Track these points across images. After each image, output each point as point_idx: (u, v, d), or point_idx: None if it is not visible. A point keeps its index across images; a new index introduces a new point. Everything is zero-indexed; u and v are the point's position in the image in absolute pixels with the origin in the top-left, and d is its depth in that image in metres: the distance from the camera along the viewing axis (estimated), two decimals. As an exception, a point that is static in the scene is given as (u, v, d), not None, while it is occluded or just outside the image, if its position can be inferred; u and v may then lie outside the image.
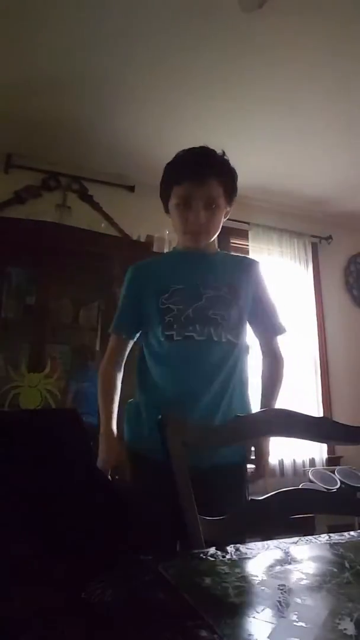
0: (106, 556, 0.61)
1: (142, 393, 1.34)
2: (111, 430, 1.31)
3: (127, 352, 1.44)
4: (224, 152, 1.33)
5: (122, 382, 1.40)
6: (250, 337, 1.45)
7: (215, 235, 1.38)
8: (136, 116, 2.67)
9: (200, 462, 1.11)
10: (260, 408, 1.36)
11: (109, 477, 1.20)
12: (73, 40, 2.17)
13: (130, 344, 1.44)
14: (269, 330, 1.45)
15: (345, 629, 0.42)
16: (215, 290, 1.31)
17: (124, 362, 1.43)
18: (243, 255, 1.52)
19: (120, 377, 1.41)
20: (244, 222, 3.47)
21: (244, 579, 0.56)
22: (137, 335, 1.42)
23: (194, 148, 1.32)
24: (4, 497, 0.67)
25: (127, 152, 2.96)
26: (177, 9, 1.99)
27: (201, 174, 1.26)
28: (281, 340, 1.47)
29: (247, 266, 1.43)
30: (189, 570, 0.57)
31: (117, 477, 1.30)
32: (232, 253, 1.52)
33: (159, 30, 2.10)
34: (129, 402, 1.38)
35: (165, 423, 0.87)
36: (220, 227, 1.37)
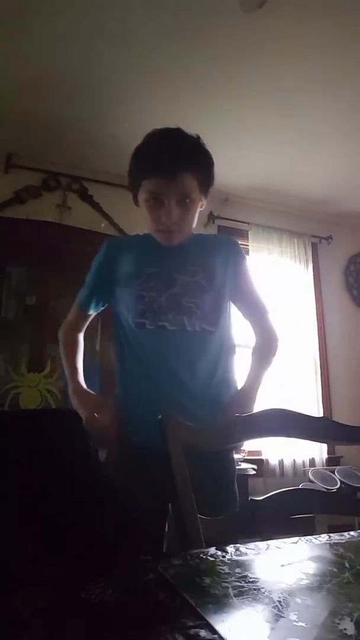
0: (106, 556, 0.61)
1: (120, 384, 1.27)
2: (79, 384, 1.26)
3: (88, 322, 1.41)
4: (198, 137, 1.19)
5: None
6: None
7: (191, 230, 1.28)
8: (136, 116, 2.67)
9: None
10: (246, 380, 1.28)
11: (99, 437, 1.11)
12: (73, 41, 2.17)
13: (93, 316, 1.40)
14: (256, 307, 1.35)
15: (345, 629, 0.42)
16: (190, 275, 1.22)
17: (84, 329, 1.40)
18: (218, 235, 1.41)
19: (82, 337, 1.38)
20: (244, 222, 3.47)
21: (244, 579, 0.56)
22: (102, 309, 1.38)
23: (164, 131, 1.18)
24: (4, 497, 0.67)
25: (127, 152, 2.93)
26: (178, 10, 1.99)
27: (173, 168, 1.12)
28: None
29: (222, 246, 1.33)
30: (189, 570, 0.57)
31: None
32: (207, 234, 1.40)
33: (159, 30, 2.10)
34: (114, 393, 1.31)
35: (165, 423, 0.87)
36: (196, 220, 1.26)
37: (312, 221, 3.81)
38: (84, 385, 1.26)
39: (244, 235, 3.49)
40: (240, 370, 1.33)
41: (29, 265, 2.71)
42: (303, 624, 0.44)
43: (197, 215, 1.25)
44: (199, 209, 1.25)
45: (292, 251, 3.64)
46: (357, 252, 3.97)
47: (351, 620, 0.44)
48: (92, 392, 1.25)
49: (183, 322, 1.19)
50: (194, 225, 1.27)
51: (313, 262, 3.76)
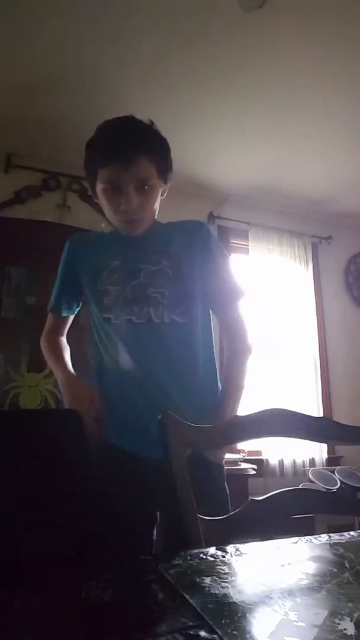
0: (106, 556, 0.61)
1: (99, 384, 1.22)
2: (70, 372, 1.21)
3: (68, 326, 1.38)
4: (152, 122, 1.17)
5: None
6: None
7: (154, 218, 1.23)
8: (136, 115, 2.67)
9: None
10: (221, 402, 1.18)
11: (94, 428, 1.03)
12: (73, 40, 2.17)
13: (71, 318, 1.37)
14: (221, 296, 1.24)
15: (345, 629, 0.42)
16: (153, 264, 1.16)
17: (65, 332, 1.37)
18: (185, 220, 1.30)
19: (64, 340, 1.35)
20: (244, 222, 3.47)
21: (244, 578, 0.56)
22: (78, 309, 1.36)
23: (117, 120, 1.17)
24: (4, 497, 0.67)
25: (127, 152, 2.96)
26: (177, 9, 1.99)
27: (128, 153, 1.08)
28: (242, 308, 1.27)
29: (188, 231, 1.25)
30: (189, 570, 0.57)
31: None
32: (175, 221, 1.31)
33: (159, 30, 2.10)
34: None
35: (166, 423, 0.87)
36: (157, 208, 1.21)
37: (312, 221, 3.81)
38: (73, 371, 1.22)
39: (244, 235, 3.50)
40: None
41: (29, 265, 2.71)
42: (303, 624, 0.44)
43: (158, 202, 1.20)
44: (159, 197, 1.20)
45: (292, 251, 3.64)
46: (357, 252, 3.97)
47: (351, 620, 0.44)
48: (82, 380, 1.20)
49: (149, 313, 1.13)
50: (156, 212, 1.22)
51: (313, 262, 3.76)
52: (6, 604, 0.46)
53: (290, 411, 1.08)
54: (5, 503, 0.66)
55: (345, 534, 0.74)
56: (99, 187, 1.15)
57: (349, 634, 0.41)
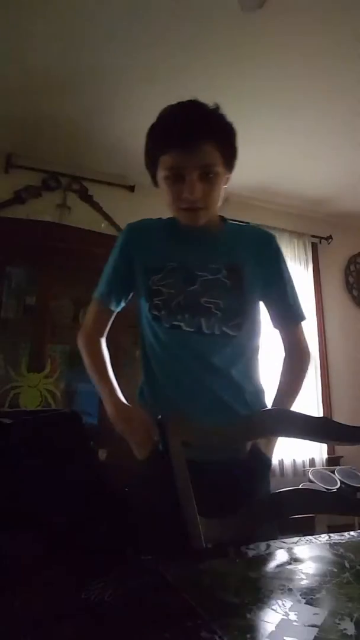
0: (107, 556, 0.61)
1: (144, 377, 1.19)
2: (122, 402, 1.12)
3: (110, 324, 1.25)
4: (218, 106, 1.09)
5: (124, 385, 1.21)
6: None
7: (216, 209, 1.16)
8: (136, 116, 2.67)
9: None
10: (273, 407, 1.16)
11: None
12: (73, 40, 2.17)
13: (113, 316, 1.25)
14: (284, 316, 1.21)
15: (345, 629, 0.42)
16: (212, 272, 1.11)
17: (106, 334, 1.25)
18: (255, 227, 1.22)
19: (105, 344, 1.23)
20: (244, 222, 3.46)
21: (244, 579, 0.56)
22: (123, 305, 1.25)
23: (180, 104, 1.08)
24: (5, 497, 0.67)
25: (127, 152, 2.95)
26: (177, 9, 1.99)
27: (192, 138, 1.01)
28: (303, 330, 1.25)
29: (255, 240, 1.20)
30: (189, 570, 0.57)
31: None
32: (241, 224, 1.22)
33: (159, 30, 2.10)
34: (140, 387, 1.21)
35: (165, 423, 0.87)
36: (221, 198, 1.13)
37: (312, 221, 3.81)
38: (121, 397, 1.14)
39: (244, 235, 3.50)
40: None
41: (29, 265, 2.71)
42: (303, 624, 0.44)
43: (222, 192, 1.12)
44: (223, 186, 1.12)
45: (292, 251, 3.64)
46: (357, 252, 3.97)
47: (351, 620, 0.44)
48: (134, 408, 1.13)
49: (200, 323, 1.09)
50: (220, 202, 1.14)
51: (313, 262, 3.76)
52: (6, 604, 0.46)
53: (290, 411, 1.08)
54: (5, 503, 0.66)
55: (345, 534, 0.74)
56: (160, 174, 1.08)
57: (349, 634, 0.41)
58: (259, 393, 1.17)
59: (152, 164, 1.11)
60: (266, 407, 1.17)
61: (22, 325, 2.67)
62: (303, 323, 1.24)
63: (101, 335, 1.24)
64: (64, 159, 3.04)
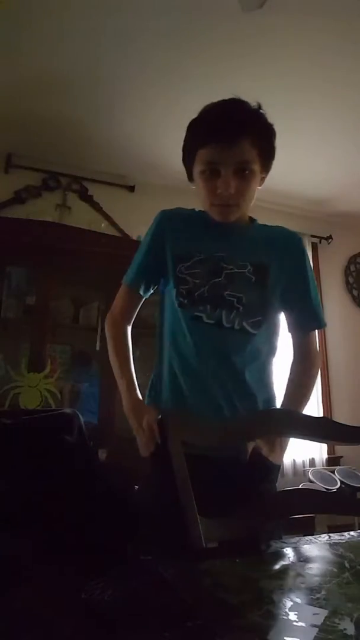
0: (107, 556, 0.61)
1: (159, 367, 1.19)
2: (137, 398, 1.12)
3: (137, 311, 1.25)
4: (259, 105, 1.09)
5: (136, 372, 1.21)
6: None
7: (249, 207, 1.17)
8: (136, 116, 2.67)
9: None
10: None
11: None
12: (73, 41, 2.17)
13: (142, 302, 1.25)
14: (300, 321, 1.20)
15: (345, 629, 0.42)
16: (238, 267, 1.11)
17: (133, 320, 1.25)
18: (285, 229, 1.24)
19: (130, 332, 1.23)
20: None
21: (244, 578, 0.56)
22: (150, 293, 1.25)
23: (222, 101, 1.08)
24: (4, 498, 0.67)
25: (127, 152, 2.96)
26: (178, 10, 1.99)
27: (231, 133, 1.02)
28: (317, 337, 1.25)
29: (282, 240, 1.19)
30: (189, 570, 0.57)
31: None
32: (271, 225, 1.24)
33: (159, 30, 2.10)
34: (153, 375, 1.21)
35: (166, 422, 0.87)
36: (253, 199, 1.14)
37: (312, 221, 3.81)
38: (139, 393, 1.14)
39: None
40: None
41: (29, 265, 2.71)
42: (303, 624, 0.44)
43: (255, 192, 1.13)
44: (257, 186, 1.13)
45: (292, 251, 3.64)
46: (357, 252, 3.97)
47: (351, 620, 0.44)
48: (150, 407, 1.13)
49: (220, 316, 1.08)
50: (253, 201, 1.15)
51: (313, 262, 3.75)
52: (6, 604, 0.46)
53: (291, 411, 1.08)
54: (5, 503, 0.66)
55: (345, 534, 0.74)
56: (197, 169, 1.09)
57: (349, 634, 0.41)
58: (270, 399, 1.17)
59: (189, 158, 1.11)
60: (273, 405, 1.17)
61: (22, 325, 2.67)
62: (317, 331, 1.23)
63: (128, 322, 1.24)
64: (64, 159, 3.04)
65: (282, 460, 1.12)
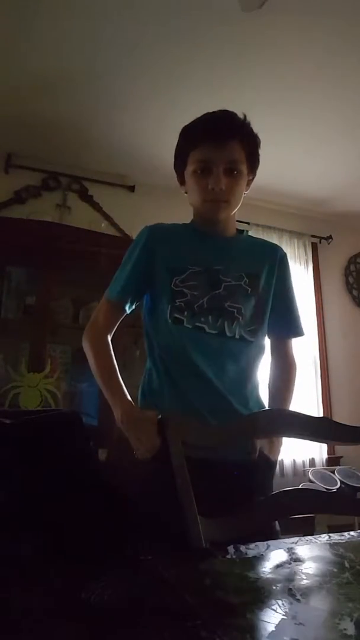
0: (106, 557, 0.61)
1: (153, 375, 1.18)
2: (129, 402, 1.10)
3: (119, 322, 1.25)
4: (245, 116, 1.19)
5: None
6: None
7: (236, 210, 1.22)
8: (136, 116, 2.67)
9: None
10: None
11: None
12: (74, 41, 2.17)
13: (123, 317, 1.25)
14: (283, 329, 1.26)
15: (345, 629, 0.42)
16: (236, 279, 1.16)
17: (114, 331, 1.24)
18: (268, 241, 1.33)
19: (110, 343, 1.21)
20: (244, 222, 3.47)
21: (244, 579, 0.56)
22: (134, 309, 1.25)
23: (212, 111, 1.19)
24: (4, 498, 0.67)
25: (127, 152, 2.96)
26: (177, 9, 1.99)
27: (221, 135, 1.12)
28: (295, 345, 1.31)
29: (269, 254, 1.25)
30: (189, 570, 0.57)
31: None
32: (255, 237, 1.34)
33: (158, 30, 2.10)
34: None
35: (166, 423, 0.87)
36: (241, 200, 1.21)
37: (312, 221, 3.81)
38: (130, 399, 1.12)
39: (244, 235, 3.50)
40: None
41: (29, 265, 2.71)
42: (303, 624, 0.44)
43: (243, 195, 1.21)
44: (245, 191, 1.21)
45: (292, 251, 3.64)
46: (357, 252, 3.97)
47: (351, 620, 0.44)
48: (143, 412, 1.11)
49: (223, 326, 1.12)
50: (240, 203, 1.21)
51: (313, 262, 3.76)
52: (6, 604, 0.46)
53: (290, 411, 1.08)
54: (4, 503, 0.66)
55: (345, 534, 0.74)
56: (189, 169, 1.16)
57: (349, 634, 0.41)
58: (258, 397, 1.21)
59: (181, 161, 1.19)
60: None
61: (22, 325, 2.67)
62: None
63: (109, 333, 1.23)
64: (64, 159, 3.04)
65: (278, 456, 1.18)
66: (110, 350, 1.20)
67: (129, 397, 1.13)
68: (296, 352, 1.30)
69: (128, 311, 1.24)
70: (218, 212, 1.17)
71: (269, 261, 1.24)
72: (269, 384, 1.25)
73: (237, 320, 1.13)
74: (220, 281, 1.15)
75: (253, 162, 1.19)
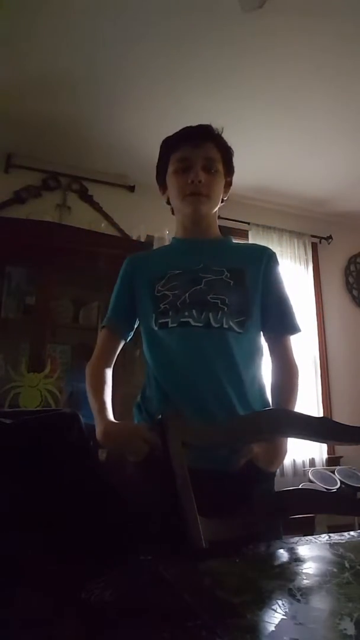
0: (106, 556, 0.61)
1: (145, 389, 1.21)
2: (108, 419, 1.12)
3: (117, 353, 1.29)
4: (222, 130, 1.28)
5: (123, 385, 1.25)
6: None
7: (216, 209, 1.27)
8: (136, 116, 2.67)
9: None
10: None
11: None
12: (74, 41, 2.17)
13: (121, 344, 1.30)
14: (277, 326, 1.22)
15: (345, 629, 0.42)
16: (215, 274, 1.17)
17: (113, 361, 1.28)
18: (256, 244, 1.38)
19: (110, 373, 1.25)
20: (244, 222, 3.47)
21: (244, 579, 0.56)
22: (130, 336, 1.30)
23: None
24: (4, 498, 0.67)
25: (127, 152, 2.96)
26: (177, 9, 1.99)
27: (198, 137, 1.22)
28: (294, 343, 1.25)
29: (259, 254, 1.26)
30: (189, 570, 0.57)
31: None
32: (242, 242, 1.37)
33: (159, 30, 2.10)
34: (136, 402, 1.24)
35: (166, 423, 0.87)
36: (220, 199, 1.27)
37: (312, 221, 3.81)
38: (112, 419, 1.13)
39: (244, 235, 3.50)
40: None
41: (29, 265, 2.71)
42: (303, 624, 0.44)
43: (221, 195, 1.27)
44: (222, 194, 1.27)
45: (292, 251, 3.64)
46: (357, 252, 3.97)
47: (351, 620, 0.44)
48: (123, 424, 1.14)
49: (208, 317, 1.11)
50: (219, 203, 1.27)
51: (313, 262, 3.76)
52: (6, 604, 0.46)
53: (290, 411, 1.08)
54: (4, 503, 0.66)
55: (345, 534, 0.74)
56: (170, 171, 1.24)
57: (349, 634, 0.41)
58: (262, 395, 1.18)
59: (163, 167, 1.27)
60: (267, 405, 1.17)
61: (22, 325, 2.67)
62: (296, 336, 1.24)
63: (108, 366, 1.26)
64: (64, 159, 3.05)
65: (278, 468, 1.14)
66: (103, 375, 1.23)
67: (109, 413, 1.14)
68: (296, 353, 1.24)
69: (124, 336, 1.30)
70: (199, 205, 1.21)
71: (254, 259, 1.23)
72: (271, 391, 1.20)
73: (222, 310, 1.12)
74: (200, 278, 1.17)
75: (229, 167, 1.27)
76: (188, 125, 1.25)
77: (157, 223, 2.96)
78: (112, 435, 1.10)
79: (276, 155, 3.06)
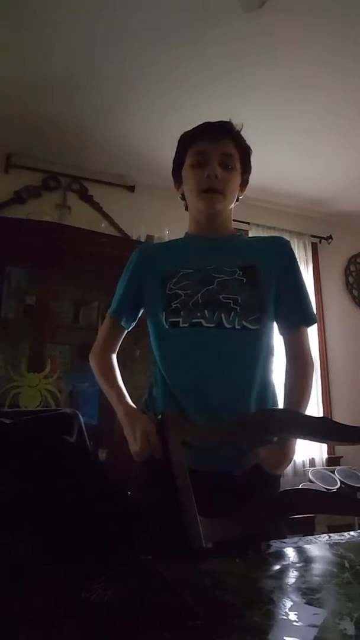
0: (107, 556, 0.61)
1: (152, 388, 1.20)
2: (130, 405, 1.12)
3: (120, 342, 1.30)
4: (241, 127, 1.28)
5: (129, 382, 1.21)
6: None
7: (232, 207, 1.26)
8: (136, 116, 2.67)
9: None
10: None
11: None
12: (74, 41, 2.17)
13: (124, 334, 1.30)
14: (292, 317, 1.20)
15: (345, 629, 0.42)
16: (227, 274, 1.15)
17: (117, 350, 1.29)
18: (269, 236, 1.35)
19: (115, 360, 1.26)
20: (244, 222, 3.47)
21: (244, 579, 0.56)
22: (133, 325, 1.30)
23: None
24: (4, 499, 0.67)
25: (127, 152, 2.96)
26: (177, 9, 1.99)
27: (217, 133, 1.21)
28: (309, 336, 1.25)
29: (271, 245, 1.25)
30: (189, 570, 0.57)
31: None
32: (255, 236, 1.36)
33: (159, 30, 2.10)
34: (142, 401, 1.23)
35: (165, 423, 0.87)
36: (235, 197, 1.25)
37: (312, 221, 3.81)
38: (131, 403, 1.14)
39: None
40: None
41: (29, 265, 2.71)
42: (303, 624, 0.44)
43: (237, 193, 1.25)
44: (238, 191, 1.26)
45: (292, 251, 3.64)
46: (357, 252, 3.97)
47: (351, 620, 0.44)
48: (142, 414, 1.12)
49: (220, 318, 1.10)
50: (234, 200, 1.26)
51: (313, 262, 3.76)
52: (6, 604, 0.46)
53: (291, 411, 1.08)
54: (4, 503, 0.66)
55: (345, 534, 0.74)
56: (187, 165, 1.22)
57: (349, 634, 0.41)
58: (274, 397, 1.18)
59: (179, 160, 1.25)
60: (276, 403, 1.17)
61: (22, 325, 2.67)
62: (310, 329, 1.24)
63: (112, 352, 1.28)
64: (64, 159, 3.05)
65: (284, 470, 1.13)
66: (111, 362, 1.25)
67: (129, 399, 1.15)
68: (312, 346, 1.23)
69: (127, 326, 1.29)
70: (214, 203, 1.20)
71: (267, 253, 1.22)
72: (283, 391, 1.19)
73: (235, 310, 1.11)
74: (212, 278, 1.15)
75: (246, 165, 1.26)
76: (187, 125, 1.24)
77: (157, 223, 2.96)
78: (130, 421, 1.08)
79: (276, 156, 3.05)
